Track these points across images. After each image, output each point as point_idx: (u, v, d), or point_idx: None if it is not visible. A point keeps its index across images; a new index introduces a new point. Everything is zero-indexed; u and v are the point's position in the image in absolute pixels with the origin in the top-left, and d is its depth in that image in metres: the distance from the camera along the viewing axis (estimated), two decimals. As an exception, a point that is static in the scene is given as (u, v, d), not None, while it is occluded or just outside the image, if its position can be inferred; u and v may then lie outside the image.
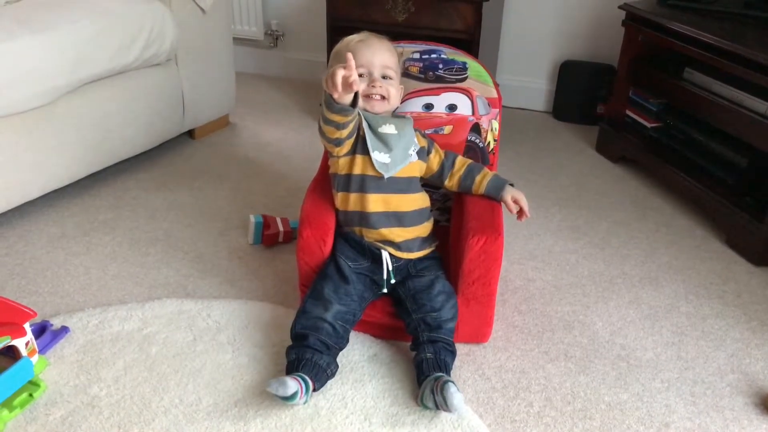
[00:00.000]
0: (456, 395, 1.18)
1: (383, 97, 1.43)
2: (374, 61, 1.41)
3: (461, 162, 1.50)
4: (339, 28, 2.40)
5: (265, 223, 1.79)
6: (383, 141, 1.41)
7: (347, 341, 1.35)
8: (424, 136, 1.51)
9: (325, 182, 1.53)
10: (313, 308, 1.33)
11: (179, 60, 2.21)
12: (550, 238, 1.90)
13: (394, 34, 2.32)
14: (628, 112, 2.36)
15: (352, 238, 1.44)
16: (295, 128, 2.56)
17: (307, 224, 1.40)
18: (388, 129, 1.42)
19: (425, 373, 1.28)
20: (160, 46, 2.07)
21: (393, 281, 1.42)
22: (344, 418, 1.25)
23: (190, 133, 2.42)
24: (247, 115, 2.64)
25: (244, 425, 1.23)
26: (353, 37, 1.45)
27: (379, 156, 1.40)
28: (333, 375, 1.30)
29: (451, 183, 1.50)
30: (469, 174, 1.48)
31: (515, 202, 1.46)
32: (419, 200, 1.47)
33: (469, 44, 2.26)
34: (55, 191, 1.94)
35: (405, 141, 1.43)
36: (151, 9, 2.04)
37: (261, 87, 2.96)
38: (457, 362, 1.41)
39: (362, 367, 1.37)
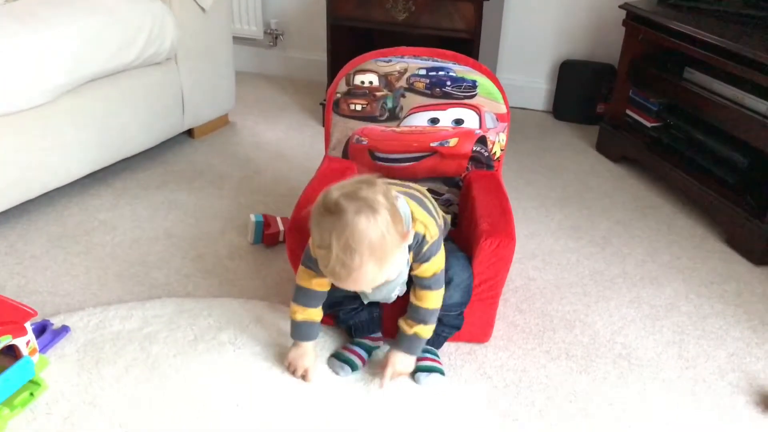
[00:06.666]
0: (423, 380, 1.31)
1: None
2: (358, 288, 1.19)
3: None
4: (339, 27, 2.40)
5: (266, 223, 1.79)
6: None
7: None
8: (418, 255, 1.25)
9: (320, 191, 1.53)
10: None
11: (179, 59, 2.20)
12: (551, 238, 1.90)
13: (395, 33, 2.35)
14: (629, 112, 2.36)
15: None
16: (295, 127, 2.56)
17: (295, 230, 1.38)
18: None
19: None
20: (161, 45, 2.07)
21: None
22: (345, 417, 1.25)
23: (189, 133, 2.41)
24: (247, 115, 2.64)
25: (246, 424, 1.23)
26: (333, 257, 1.09)
27: None
28: (380, 317, 1.40)
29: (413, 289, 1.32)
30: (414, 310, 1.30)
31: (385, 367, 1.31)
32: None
33: (470, 43, 2.26)
34: (55, 190, 1.94)
35: (390, 287, 1.30)
36: (151, 8, 2.04)
37: (261, 86, 2.95)
38: (458, 361, 1.41)
39: (364, 368, 1.37)
